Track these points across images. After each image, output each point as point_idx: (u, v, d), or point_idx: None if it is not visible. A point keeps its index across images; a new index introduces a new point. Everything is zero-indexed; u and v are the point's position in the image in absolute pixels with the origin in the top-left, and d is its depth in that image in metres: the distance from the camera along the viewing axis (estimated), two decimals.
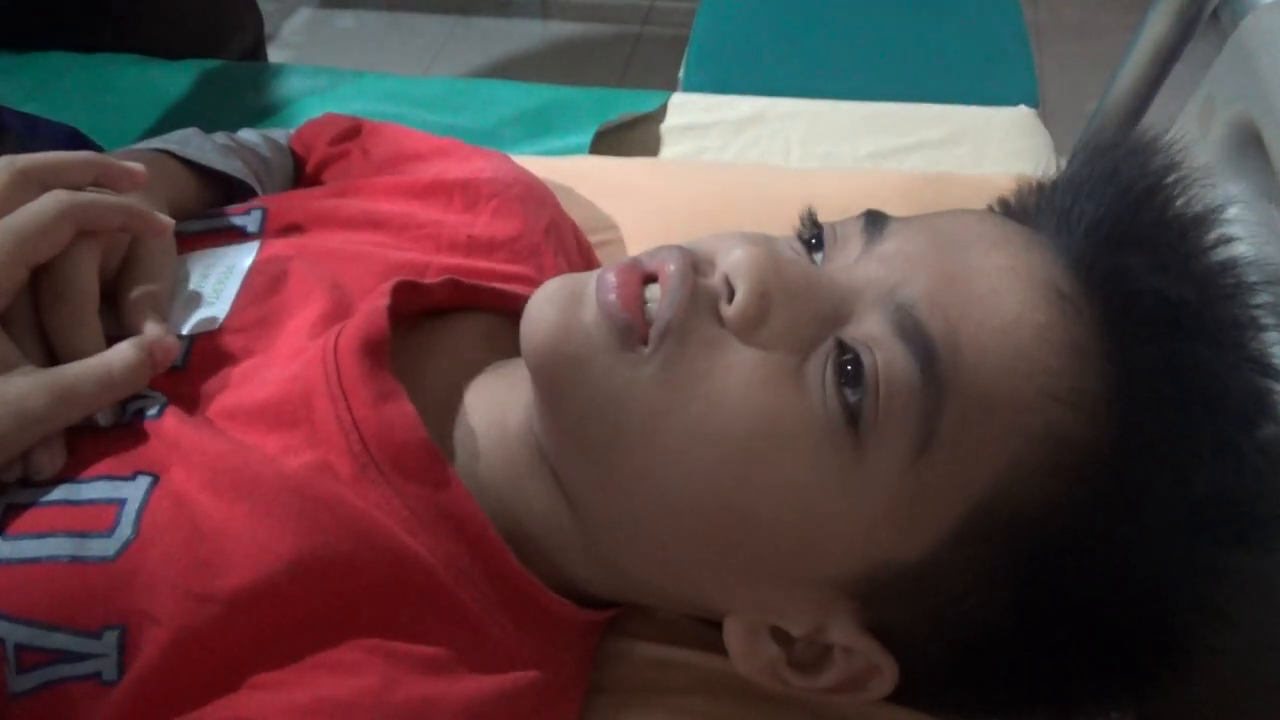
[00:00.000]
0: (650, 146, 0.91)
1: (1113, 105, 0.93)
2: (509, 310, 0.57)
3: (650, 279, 0.44)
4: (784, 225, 0.70)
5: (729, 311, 0.42)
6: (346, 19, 2.34)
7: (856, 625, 0.44)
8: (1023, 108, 0.94)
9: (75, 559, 0.41)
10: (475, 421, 0.50)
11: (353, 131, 0.70)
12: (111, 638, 0.40)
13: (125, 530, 0.42)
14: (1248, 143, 0.65)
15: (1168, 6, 0.86)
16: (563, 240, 0.63)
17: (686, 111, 0.94)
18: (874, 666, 0.45)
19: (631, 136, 0.92)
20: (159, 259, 0.50)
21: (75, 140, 0.85)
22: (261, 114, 0.92)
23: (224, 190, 0.63)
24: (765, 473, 0.41)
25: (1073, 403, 0.40)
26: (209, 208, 0.60)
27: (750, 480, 0.42)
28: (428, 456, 0.46)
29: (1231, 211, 0.67)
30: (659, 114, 0.93)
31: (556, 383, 0.44)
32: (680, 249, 0.44)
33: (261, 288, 0.51)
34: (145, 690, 0.40)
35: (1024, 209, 0.49)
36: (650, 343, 0.42)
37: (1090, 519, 0.41)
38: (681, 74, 1.30)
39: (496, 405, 0.50)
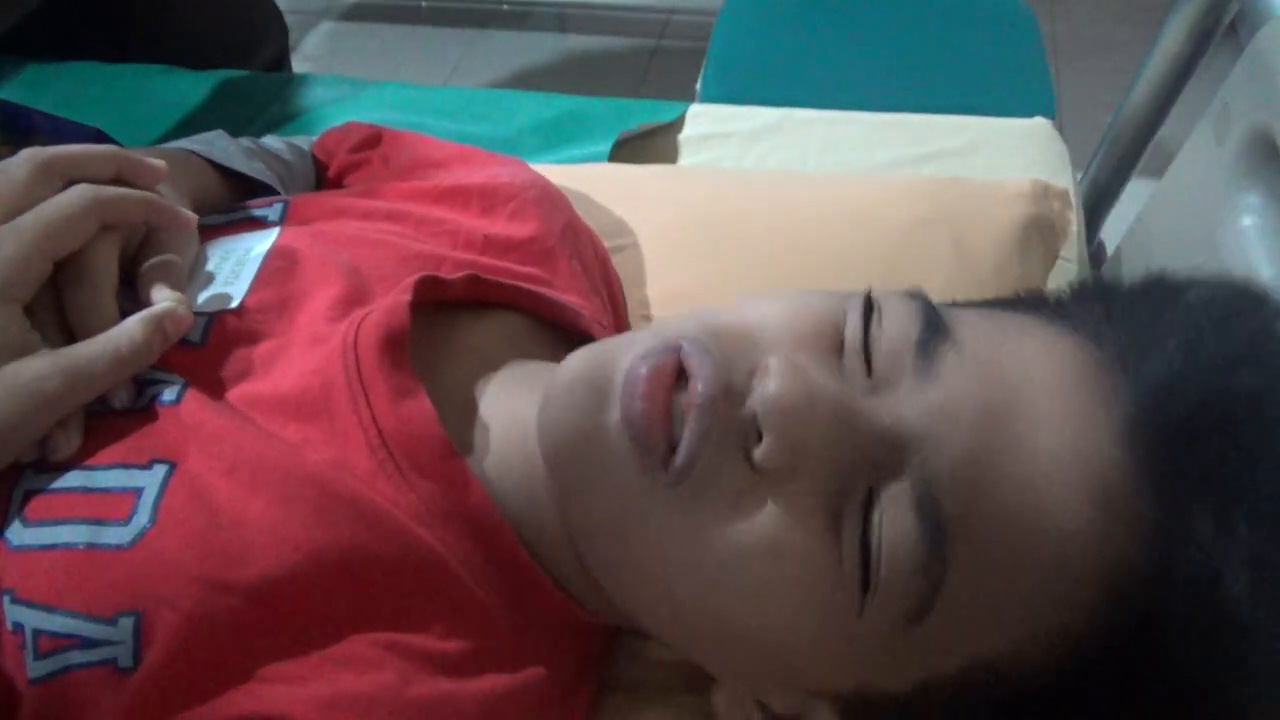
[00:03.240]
0: (668, 156, 0.92)
1: (1129, 117, 0.93)
2: (527, 309, 0.58)
3: (681, 371, 0.41)
4: (798, 232, 0.71)
5: (757, 458, 0.40)
6: (367, 32, 2.36)
7: (835, 716, 0.45)
8: (1039, 119, 0.94)
9: (91, 546, 0.41)
10: (494, 428, 0.50)
11: (373, 139, 0.71)
12: (128, 624, 0.40)
13: (142, 519, 0.42)
14: (1263, 152, 0.65)
15: (1184, 19, 0.87)
16: (578, 244, 0.64)
17: (704, 122, 0.94)
18: None
19: (649, 146, 0.92)
20: (178, 241, 0.50)
21: (101, 140, 0.86)
22: (283, 123, 0.93)
23: (247, 192, 0.64)
24: (768, 613, 0.41)
25: (1075, 605, 0.38)
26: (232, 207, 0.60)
27: (752, 615, 0.42)
28: (445, 454, 0.46)
29: (1246, 221, 0.68)
30: (677, 124, 0.94)
31: (571, 482, 0.44)
32: (716, 363, 0.41)
33: (280, 270, 0.51)
34: (161, 678, 0.40)
35: (1095, 321, 0.43)
36: (670, 473, 0.40)
37: (1085, 702, 0.40)
38: (699, 86, 1.30)
39: (516, 419, 0.50)
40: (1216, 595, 0.36)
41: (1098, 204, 1.05)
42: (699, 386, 0.40)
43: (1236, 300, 0.42)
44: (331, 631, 0.43)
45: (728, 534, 0.40)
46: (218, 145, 0.64)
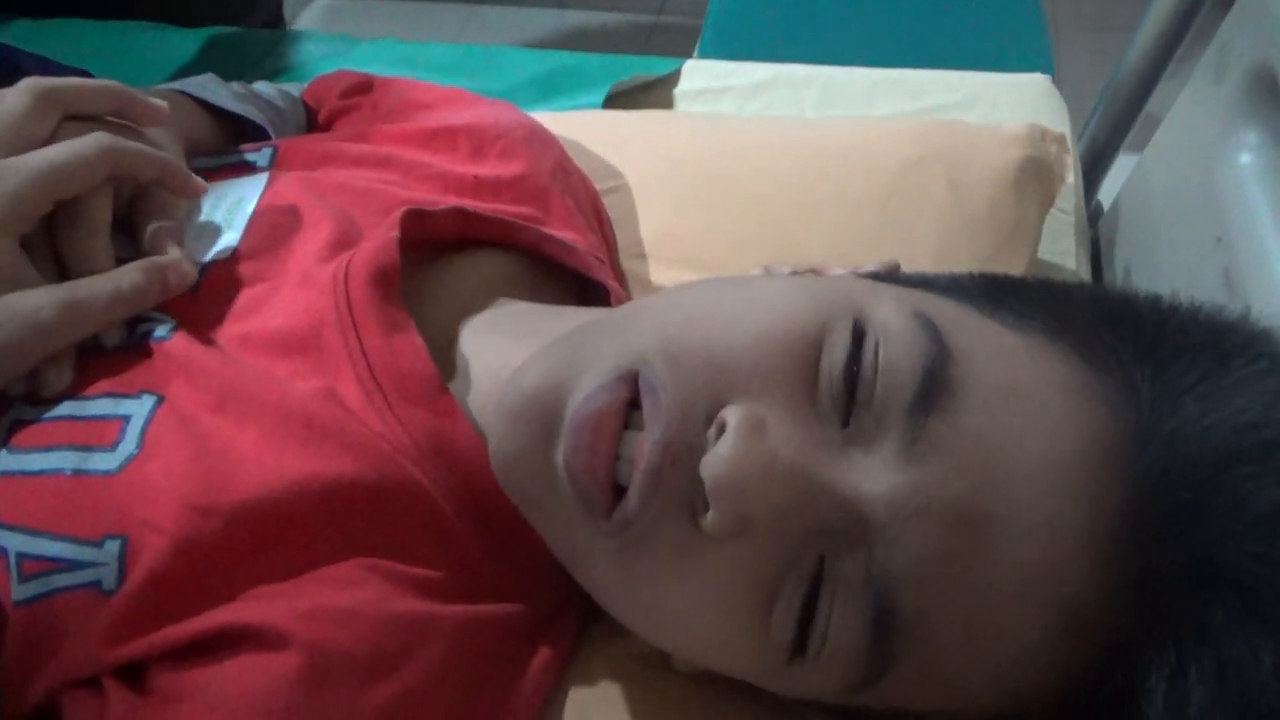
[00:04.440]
0: (663, 109, 0.91)
1: (1129, 71, 0.93)
2: (519, 247, 0.57)
3: (635, 403, 0.39)
4: (792, 175, 0.70)
5: (703, 522, 0.37)
6: (363, 8, 2.35)
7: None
8: (1038, 75, 0.94)
9: (78, 472, 0.42)
10: (482, 369, 0.50)
11: (364, 86, 0.70)
12: (113, 547, 0.40)
13: (129, 445, 0.42)
14: (1263, 88, 0.64)
15: None
16: (570, 182, 0.64)
17: (700, 77, 0.94)
18: None
19: (644, 102, 0.92)
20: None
21: None
22: (275, 78, 0.92)
23: (237, 134, 0.64)
24: (707, 658, 0.42)
25: (1028, 702, 0.37)
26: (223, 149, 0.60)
27: (693, 655, 0.43)
28: (433, 388, 0.46)
29: (1244, 159, 0.67)
30: (672, 80, 0.93)
31: (520, 503, 0.43)
32: (669, 414, 0.37)
33: (271, 217, 0.51)
34: (143, 599, 0.40)
35: (1122, 359, 0.38)
36: (611, 526, 0.38)
37: None
38: (697, 48, 1.30)
39: (503, 364, 0.49)
40: None
41: (1095, 166, 1.04)
42: (646, 447, 0.37)
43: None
44: (317, 556, 0.43)
45: (665, 588, 0.39)
46: (210, 87, 0.64)
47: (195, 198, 0.49)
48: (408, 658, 0.42)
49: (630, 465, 0.38)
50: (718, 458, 0.35)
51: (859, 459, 0.36)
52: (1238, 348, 0.38)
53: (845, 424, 0.37)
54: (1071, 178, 0.78)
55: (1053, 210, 0.76)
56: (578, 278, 0.60)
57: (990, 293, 0.43)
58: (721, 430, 0.36)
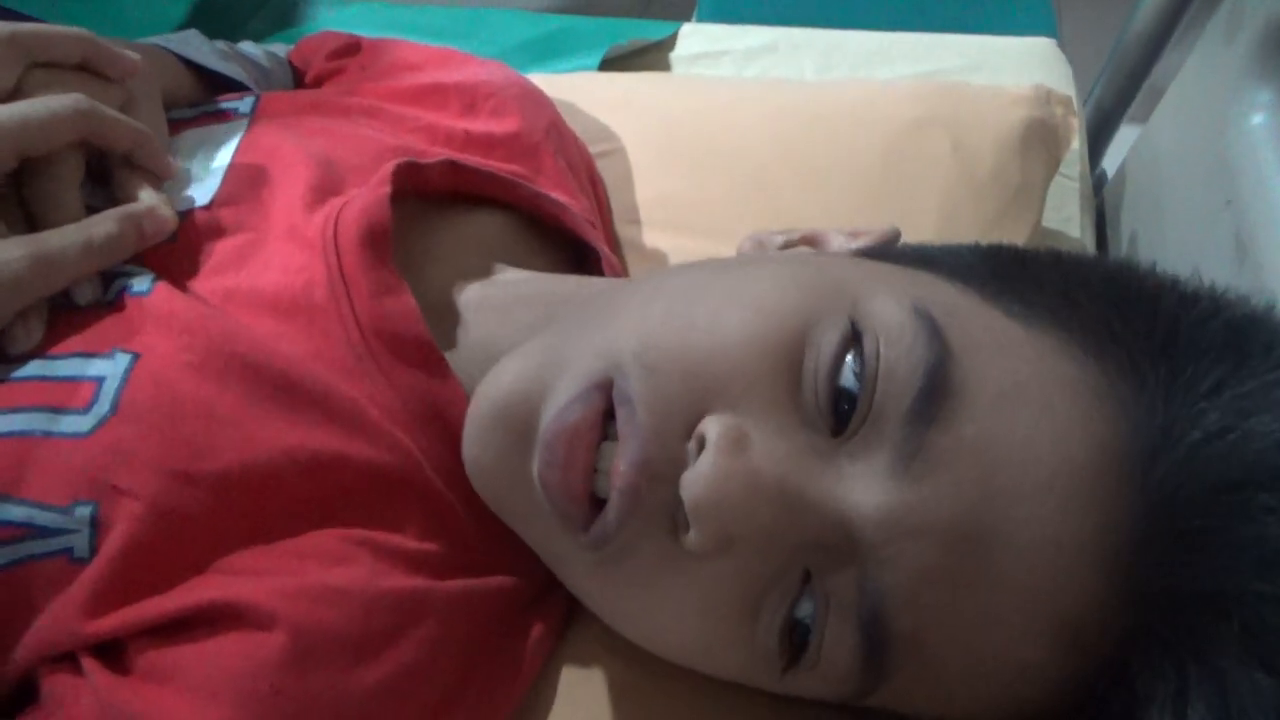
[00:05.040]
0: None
1: (1136, 34, 0.91)
2: (511, 204, 0.56)
3: (611, 414, 0.37)
4: (792, 137, 0.69)
5: (684, 540, 0.35)
6: None
7: None
8: (1043, 38, 0.92)
9: (48, 434, 0.40)
10: (469, 335, 0.49)
11: (352, 47, 0.69)
12: (84, 513, 0.39)
13: (103, 407, 0.40)
14: (1277, 47, 0.62)
15: None
16: (563, 142, 0.62)
17: (697, 41, 0.92)
18: None
19: (641, 66, 0.91)
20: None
21: None
22: (261, 40, 0.91)
23: (221, 93, 0.62)
24: (689, 661, 0.41)
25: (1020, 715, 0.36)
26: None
27: (682, 662, 0.41)
28: (426, 352, 0.45)
29: (1256, 119, 0.66)
30: (669, 44, 0.92)
31: (498, 512, 0.43)
32: (644, 432, 0.36)
33: (252, 163, 0.50)
34: (120, 568, 0.38)
35: (1135, 356, 0.36)
36: (589, 540, 0.37)
37: None
38: (694, 18, 1.28)
39: (489, 337, 0.49)
40: None
41: (1100, 133, 1.03)
42: (623, 463, 0.35)
43: None
44: (301, 527, 0.42)
45: (646, 601, 0.38)
46: (192, 44, 0.62)
47: (166, 178, 0.47)
48: (399, 637, 0.40)
49: (608, 478, 0.36)
50: (697, 476, 0.34)
51: (849, 470, 0.35)
52: (1261, 348, 0.35)
53: (835, 431, 0.35)
54: (1077, 143, 0.76)
55: (1057, 176, 0.75)
56: (571, 243, 0.58)
57: (995, 271, 0.41)
58: (701, 445, 0.35)
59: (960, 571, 0.33)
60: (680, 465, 0.35)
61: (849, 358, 0.36)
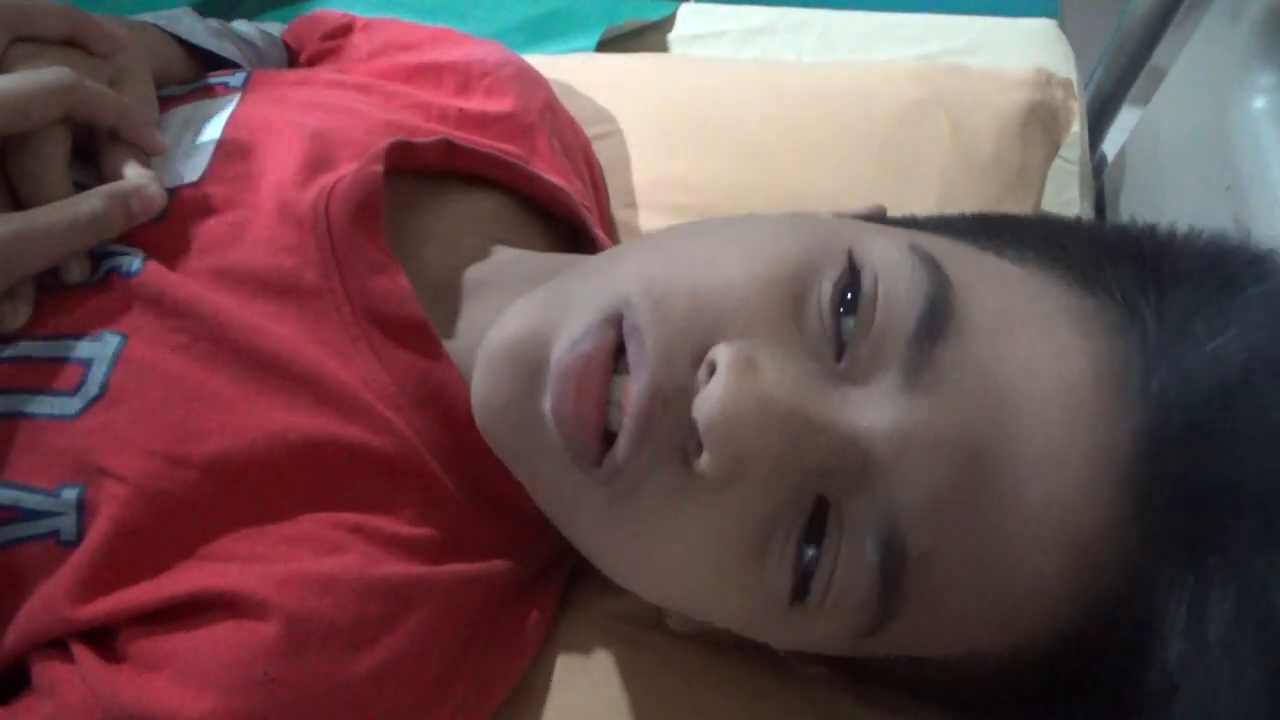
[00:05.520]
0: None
1: (1137, 17, 0.90)
2: (506, 185, 0.55)
3: (621, 349, 0.37)
4: (791, 118, 0.68)
5: (696, 466, 0.35)
6: None
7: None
8: (1044, 19, 0.92)
9: (35, 416, 0.39)
10: (464, 317, 0.48)
11: (346, 28, 0.68)
12: (70, 495, 0.38)
13: (91, 389, 0.40)
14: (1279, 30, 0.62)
15: None
16: (558, 123, 0.61)
17: (696, 21, 0.92)
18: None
19: (639, 47, 0.90)
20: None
21: None
22: (255, 18, 0.90)
23: (212, 71, 0.61)
24: (701, 610, 0.40)
25: (1034, 638, 0.36)
26: None
27: (686, 605, 0.40)
28: (420, 333, 0.45)
29: (1258, 103, 0.65)
30: (667, 25, 0.91)
31: (505, 457, 0.41)
32: (656, 357, 0.36)
33: (242, 138, 0.49)
34: (106, 552, 0.38)
35: (1125, 286, 0.37)
36: (601, 474, 0.37)
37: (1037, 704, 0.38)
38: None
39: (483, 315, 0.48)
40: (1166, 696, 0.33)
41: (1100, 116, 1.02)
42: (635, 391, 0.35)
43: None
44: (292, 511, 0.41)
45: (657, 538, 0.37)
46: (184, 22, 0.61)
47: (154, 154, 0.46)
48: (392, 624, 0.40)
49: (619, 410, 0.36)
50: (710, 398, 0.34)
51: (856, 395, 0.35)
52: (1243, 270, 0.36)
53: (839, 358, 0.36)
54: (1077, 126, 0.76)
55: (1057, 159, 0.74)
56: (566, 224, 0.58)
57: (985, 229, 0.42)
58: (711, 370, 0.35)
59: (972, 485, 0.33)
60: (691, 393, 0.35)
61: (850, 293, 0.36)
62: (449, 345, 0.46)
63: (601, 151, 0.67)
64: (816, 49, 0.89)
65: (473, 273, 0.50)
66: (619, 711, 0.47)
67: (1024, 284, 0.37)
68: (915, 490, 0.34)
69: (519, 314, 0.39)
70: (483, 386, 0.39)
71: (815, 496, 0.36)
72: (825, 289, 0.36)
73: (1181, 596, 0.32)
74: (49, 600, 0.38)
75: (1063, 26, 0.92)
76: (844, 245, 0.37)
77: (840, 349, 0.36)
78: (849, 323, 0.36)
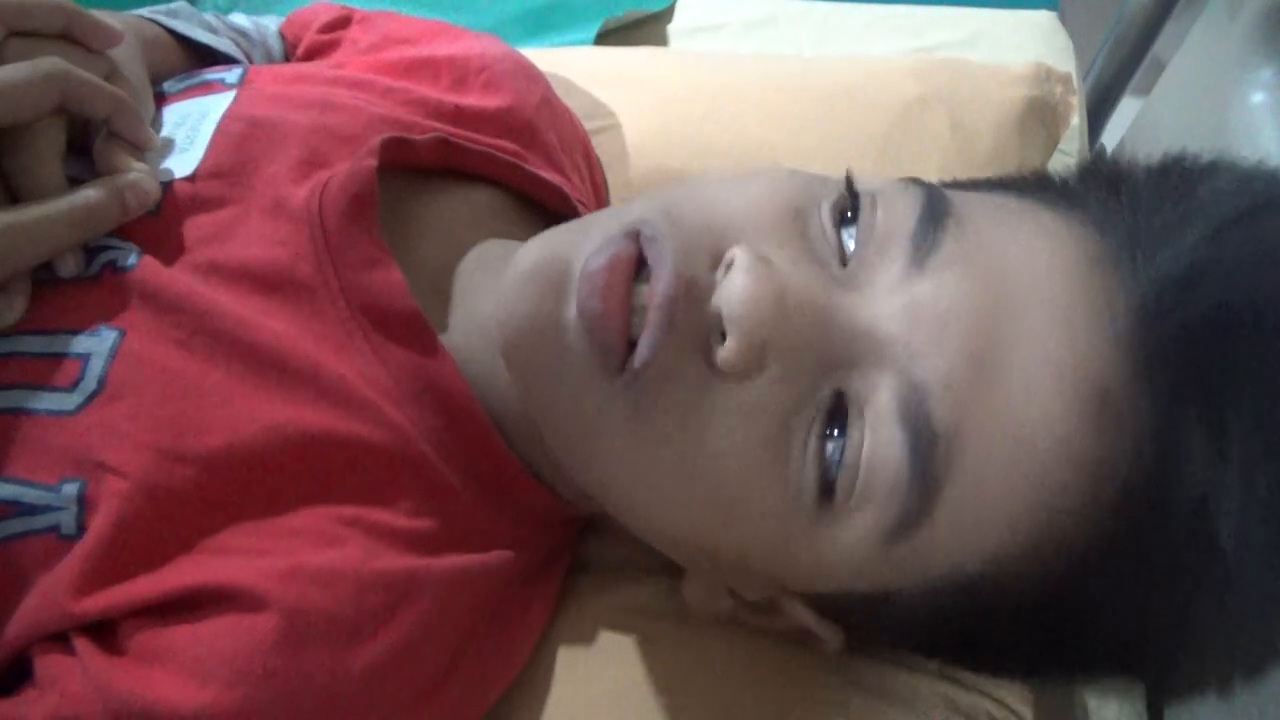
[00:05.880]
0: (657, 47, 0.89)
1: (1137, 7, 0.90)
2: (502, 182, 0.55)
3: (641, 259, 0.39)
4: (790, 113, 0.68)
5: (718, 357, 0.37)
6: None
7: (812, 612, 0.44)
8: (1043, 11, 0.91)
9: (34, 412, 0.40)
10: (461, 310, 0.49)
11: (344, 20, 0.68)
12: (71, 490, 0.39)
13: (89, 384, 0.40)
14: (1278, 25, 0.61)
15: None
16: (556, 119, 0.61)
17: (695, 13, 0.91)
18: (821, 634, 0.45)
19: (637, 39, 0.90)
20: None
21: None
22: (252, 11, 0.89)
23: (209, 66, 0.61)
24: (727, 525, 0.39)
25: (1073, 515, 0.36)
26: None
27: (711, 527, 0.40)
28: (415, 326, 0.45)
29: (1257, 98, 0.65)
30: (666, 16, 0.91)
31: (529, 378, 0.41)
32: (676, 254, 0.38)
33: (238, 134, 0.48)
34: (110, 547, 0.38)
35: (1107, 206, 0.40)
36: (627, 374, 0.38)
37: (1068, 604, 0.38)
38: None
39: (479, 306, 0.48)
40: (1202, 520, 0.34)
41: (1100, 108, 1.02)
42: (658, 285, 0.37)
43: (1265, 194, 0.37)
44: (291, 505, 0.41)
45: (681, 442, 0.38)
46: (180, 17, 0.61)
47: (146, 149, 0.46)
48: (392, 616, 0.40)
49: (643, 315, 0.37)
50: (733, 286, 0.36)
51: (867, 289, 0.37)
52: (1202, 167, 0.40)
53: (844, 265, 0.38)
54: (1076, 119, 0.76)
55: (1056, 153, 0.74)
56: (562, 219, 0.58)
57: (962, 186, 0.45)
58: (729, 268, 0.37)
59: (987, 351, 0.35)
60: (710, 290, 0.37)
61: (849, 212, 0.39)
62: (445, 338, 0.46)
63: (600, 146, 0.67)
64: (816, 41, 0.89)
65: (470, 262, 0.50)
66: (620, 703, 0.47)
67: (1010, 202, 0.40)
68: (932, 361, 0.35)
69: (540, 242, 0.41)
70: (508, 303, 0.40)
71: (834, 391, 0.37)
72: (825, 209, 0.39)
73: (1199, 431, 0.34)
74: (49, 594, 0.38)
75: (1063, 18, 0.91)
76: (839, 181, 0.40)
77: (844, 258, 0.38)
78: (850, 235, 0.39)
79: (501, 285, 0.41)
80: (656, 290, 0.37)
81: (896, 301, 0.36)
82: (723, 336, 0.36)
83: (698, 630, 0.49)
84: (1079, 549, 0.36)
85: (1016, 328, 0.35)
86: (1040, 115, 0.69)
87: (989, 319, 0.35)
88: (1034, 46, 0.86)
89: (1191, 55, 0.77)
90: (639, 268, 0.38)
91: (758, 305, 0.35)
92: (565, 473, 0.46)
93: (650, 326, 0.37)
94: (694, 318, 0.37)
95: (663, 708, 0.47)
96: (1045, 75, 0.70)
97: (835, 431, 0.37)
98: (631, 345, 0.38)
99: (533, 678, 0.49)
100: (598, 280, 0.38)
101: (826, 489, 0.37)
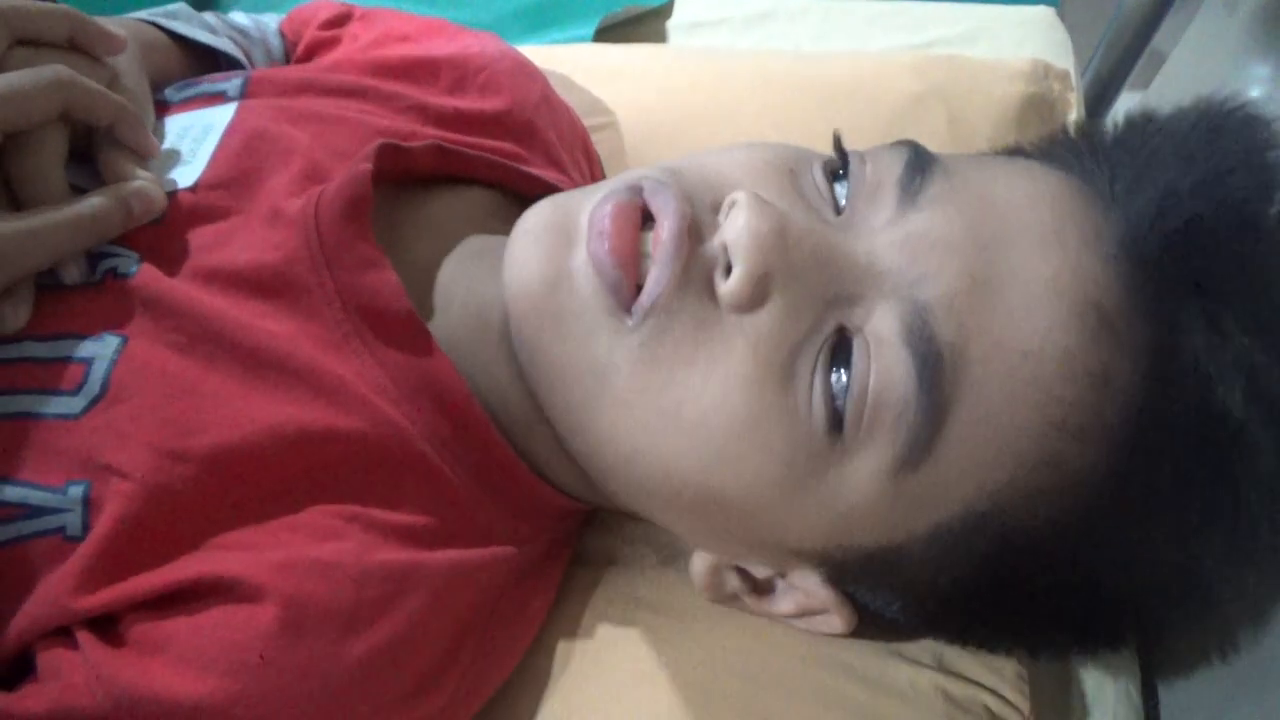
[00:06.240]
0: (656, 44, 0.89)
1: (1135, 4, 0.90)
2: (498, 184, 0.55)
3: (648, 216, 0.40)
4: (788, 110, 0.68)
5: (723, 289, 0.39)
6: None
7: (820, 579, 0.44)
8: (1042, 7, 0.91)
9: (40, 416, 0.40)
10: (457, 304, 0.49)
11: (344, 17, 0.68)
12: (77, 492, 0.39)
13: (93, 388, 0.41)
14: (1278, 20, 0.62)
15: None
16: (555, 117, 0.62)
17: (694, 8, 0.91)
18: (831, 610, 0.45)
19: (637, 34, 0.90)
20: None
21: None
22: (251, 8, 0.89)
23: (210, 68, 0.61)
24: (738, 466, 0.40)
25: (1080, 436, 0.37)
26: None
27: (722, 469, 0.40)
28: (410, 326, 0.45)
29: (1253, 94, 0.65)
30: (666, 11, 0.91)
31: (536, 332, 0.42)
32: (680, 197, 0.40)
33: (240, 147, 0.49)
34: (111, 546, 0.39)
35: (1080, 161, 0.43)
36: (635, 315, 0.39)
37: (1078, 539, 0.39)
38: None
39: (476, 295, 0.49)
40: (1210, 404, 0.36)
41: (1098, 103, 1.02)
42: (664, 221, 0.39)
43: (1225, 116, 0.41)
44: (291, 503, 0.42)
45: (690, 381, 0.39)
46: (180, 18, 0.61)
47: (148, 156, 0.47)
48: (389, 608, 0.41)
49: (649, 262, 0.39)
50: (736, 220, 0.38)
51: (863, 230, 0.39)
52: (1166, 114, 0.43)
53: (837, 213, 0.41)
54: (1074, 115, 0.76)
55: None
56: None
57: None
58: (732, 207, 0.39)
59: (983, 272, 0.37)
60: (713, 232, 0.39)
61: (839, 171, 0.43)
62: (442, 334, 0.47)
63: (599, 143, 0.67)
64: (816, 36, 0.89)
65: (457, 260, 0.51)
66: (620, 698, 0.48)
67: (990, 157, 0.44)
68: (932, 285, 0.37)
69: (544, 203, 0.43)
70: (514, 261, 0.42)
71: (838, 326, 0.38)
72: (816, 168, 0.42)
73: (1196, 318, 0.36)
74: (52, 592, 0.39)
75: (1061, 13, 0.91)
76: (829, 150, 0.44)
77: (838, 208, 0.41)
78: (841, 191, 0.41)
79: (509, 243, 0.42)
80: (663, 226, 0.39)
81: (892, 235, 0.38)
82: (727, 272, 0.38)
83: (697, 625, 0.49)
84: (1087, 480, 0.37)
85: (1010, 251, 0.37)
86: (1038, 111, 0.69)
87: (983, 243, 0.37)
88: (1033, 42, 0.86)
89: (1190, 50, 0.77)
90: (644, 220, 0.40)
91: (760, 236, 0.37)
92: (564, 461, 0.47)
93: (658, 263, 0.39)
94: (699, 256, 0.39)
95: (662, 701, 0.47)
96: (1044, 72, 0.71)
97: (841, 369, 0.38)
98: (639, 290, 0.39)
99: (534, 672, 0.49)
100: (605, 225, 0.39)
101: (835, 422, 0.38)
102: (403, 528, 0.43)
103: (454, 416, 0.45)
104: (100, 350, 0.42)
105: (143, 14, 0.60)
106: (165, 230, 0.46)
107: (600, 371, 0.41)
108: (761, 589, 0.47)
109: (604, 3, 0.89)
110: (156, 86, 0.53)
